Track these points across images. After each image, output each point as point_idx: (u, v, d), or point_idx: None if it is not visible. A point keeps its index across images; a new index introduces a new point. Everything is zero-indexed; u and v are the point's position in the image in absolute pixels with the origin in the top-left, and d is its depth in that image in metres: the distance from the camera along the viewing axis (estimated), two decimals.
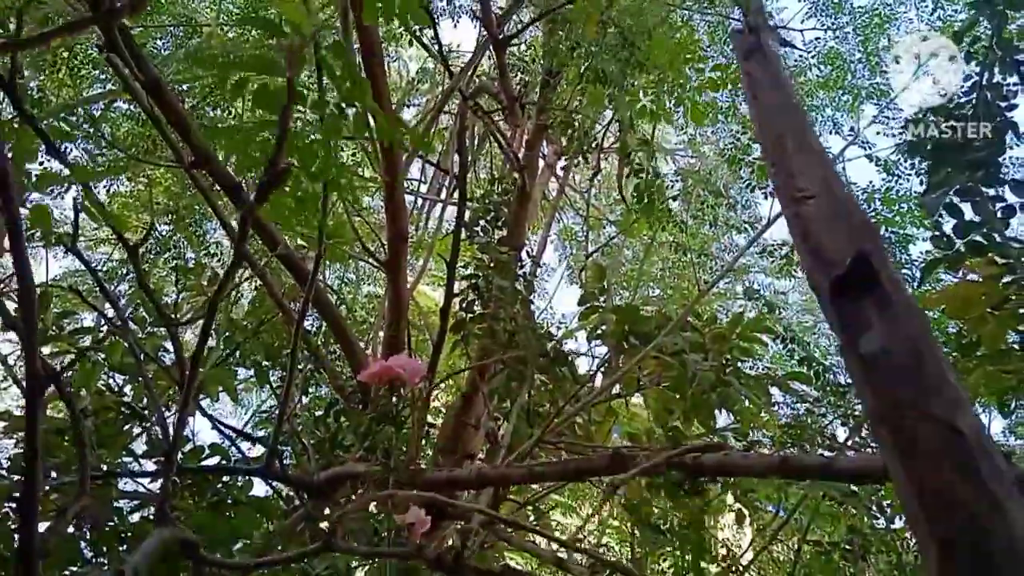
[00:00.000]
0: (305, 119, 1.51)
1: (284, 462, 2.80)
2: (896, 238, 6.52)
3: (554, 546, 3.15)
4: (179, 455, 3.02)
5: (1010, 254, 2.34)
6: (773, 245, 7.39)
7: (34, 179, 2.03)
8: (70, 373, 3.42)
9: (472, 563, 1.51)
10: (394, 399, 2.44)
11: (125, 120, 7.52)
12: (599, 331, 4.32)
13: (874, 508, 3.60)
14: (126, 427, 3.45)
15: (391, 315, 4.01)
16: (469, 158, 5.33)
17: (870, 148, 6.93)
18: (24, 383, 1.12)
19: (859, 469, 1.36)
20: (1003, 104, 2.86)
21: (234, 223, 4.65)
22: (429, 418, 6.34)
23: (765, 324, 4.58)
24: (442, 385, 8.53)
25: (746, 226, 7.89)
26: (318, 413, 3.60)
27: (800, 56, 7.91)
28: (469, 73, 6.43)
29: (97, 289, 5.36)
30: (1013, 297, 2.22)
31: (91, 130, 6.94)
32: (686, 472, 1.67)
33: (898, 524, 3.49)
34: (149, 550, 1.15)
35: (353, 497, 2.59)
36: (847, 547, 3.28)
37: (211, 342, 6.59)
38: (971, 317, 2.14)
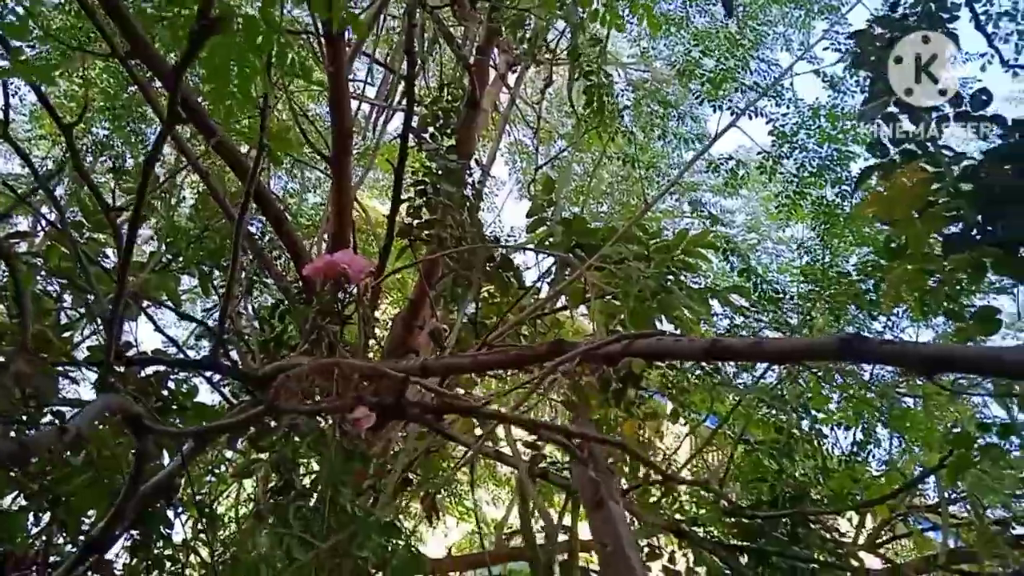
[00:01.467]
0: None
1: (230, 360, 2.82)
2: (838, 155, 6.64)
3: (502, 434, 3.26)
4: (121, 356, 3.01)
5: (941, 162, 2.42)
6: (720, 159, 7.46)
7: None
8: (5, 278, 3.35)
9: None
10: (339, 295, 2.46)
11: (57, 13, 7.16)
12: (547, 242, 4.37)
13: (800, 411, 3.79)
14: (65, 334, 3.41)
15: (335, 213, 3.98)
16: (418, 60, 5.22)
17: (818, 63, 7.00)
18: None
19: (783, 350, 1.43)
20: (945, 16, 2.91)
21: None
22: (378, 331, 6.38)
23: (709, 240, 4.67)
24: (390, 296, 8.57)
25: (694, 139, 7.93)
26: (263, 314, 3.60)
27: None
28: None
29: (34, 192, 5.21)
30: (939, 201, 2.31)
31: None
32: (619, 356, 1.73)
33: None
34: (92, 412, 1.17)
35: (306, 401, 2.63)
36: (773, 447, 3.45)
37: (152, 247, 6.48)
38: (897, 220, 2.22)
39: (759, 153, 7.07)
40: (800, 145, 6.84)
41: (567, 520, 2.91)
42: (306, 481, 2.57)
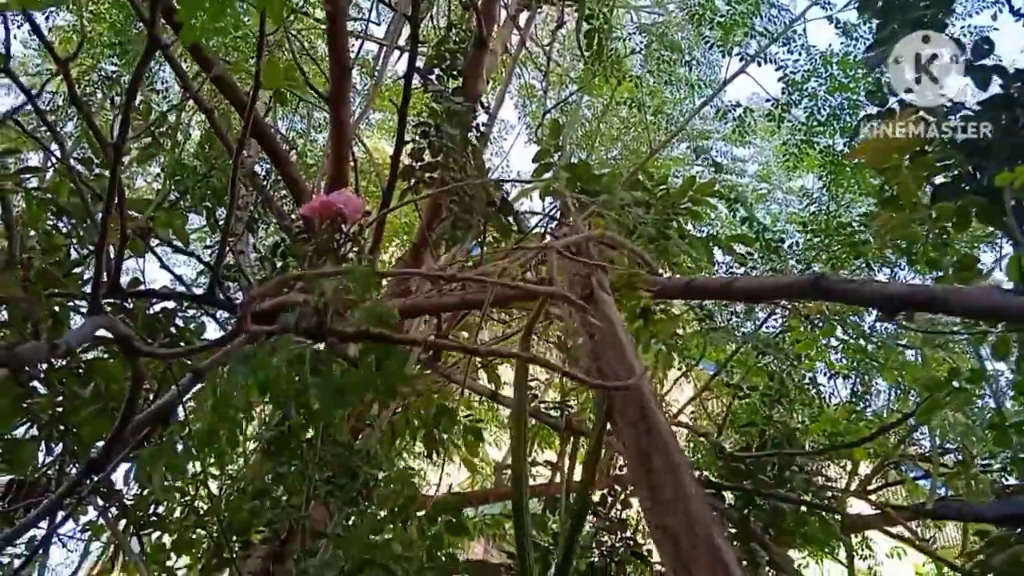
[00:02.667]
0: None
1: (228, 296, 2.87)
2: (848, 103, 6.56)
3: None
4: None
5: (938, 111, 2.41)
6: (728, 106, 7.38)
7: None
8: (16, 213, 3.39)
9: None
10: (336, 235, 2.49)
11: None
12: (551, 187, 4.38)
13: (796, 359, 3.84)
14: (76, 269, 3.46)
15: (334, 151, 3.99)
16: None
17: (830, 9, 6.86)
18: None
19: (754, 289, 1.47)
20: None
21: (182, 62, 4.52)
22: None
23: (715, 188, 4.67)
24: (397, 240, 8.62)
25: (703, 85, 7.84)
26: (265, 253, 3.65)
27: None
28: None
29: (43, 130, 5.23)
30: (930, 150, 2.31)
31: None
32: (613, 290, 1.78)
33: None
34: (82, 331, 1.22)
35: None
36: (766, 393, 3.51)
37: (159, 185, 6.50)
38: (887, 168, 2.23)
39: (767, 100, 7.00)
40: (810, 93, 6.76)
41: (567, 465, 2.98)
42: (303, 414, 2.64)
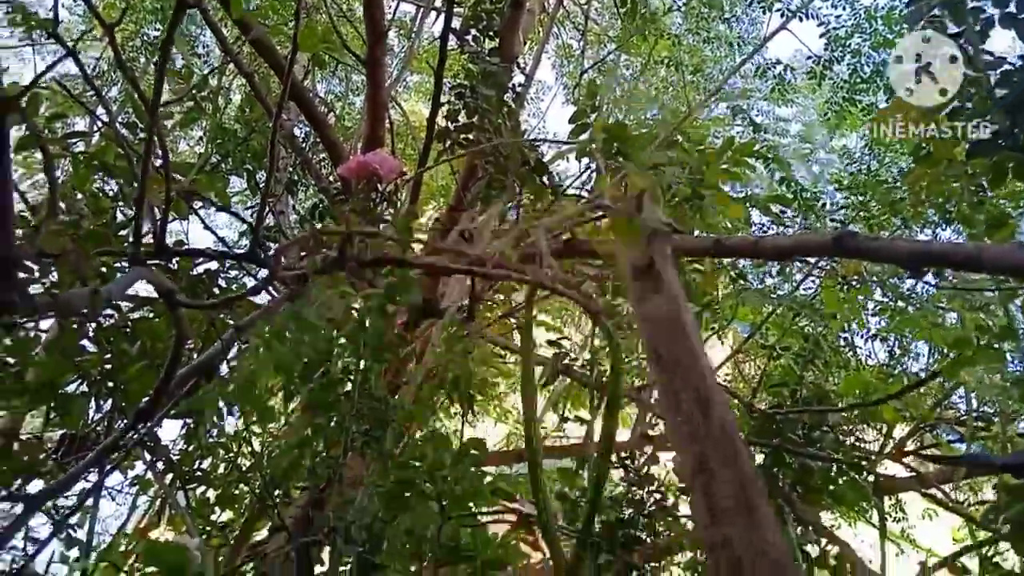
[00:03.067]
0: None
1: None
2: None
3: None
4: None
5: (979, 66, 2.37)
6: (768, 63, 7.24)
7: None
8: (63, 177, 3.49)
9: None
10: (372, 195, 2.55)
11: None
12: (588, 148, 4.37)
13: (826, 320, 3.82)
14: (122, 231, 3.56)
15: (370, 114, 4.04)
16: None
17: None
18: None
19: (781, 247, 1.48)
20: None
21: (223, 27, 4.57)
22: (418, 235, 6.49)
23: (754, 149, 4.61)
24: (435, 203, 8.67)
25: (744, 43, 7.69)
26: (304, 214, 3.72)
27: None
28: None
29: (88, 94, 5.35)
30: (969, 107, 2.27)
31: None
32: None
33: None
34: (124, 281, 1.28)
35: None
36: (799, 354, 3.51)
37: (201, 148, 6.62)
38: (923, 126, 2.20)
39: (809, 58, 6.86)
40: (854, 49, 6.60)
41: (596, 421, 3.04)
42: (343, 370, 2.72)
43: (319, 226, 3.31)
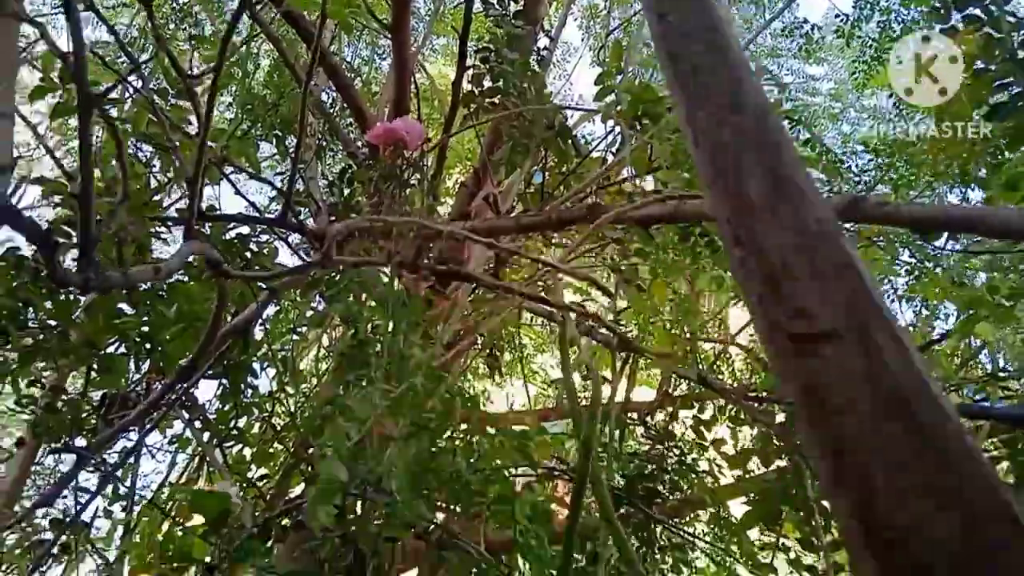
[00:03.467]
0: None
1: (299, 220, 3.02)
2: (925, 16, 6.26)
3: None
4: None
5: (1002, 28, 2.36)
6: (796, 22, 7.14)
7: None
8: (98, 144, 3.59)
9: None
10: (399, 160, 2.61)
11: None
12: (613, 110, 4.38)
13: None
14: (156, 197, 3.66)
15: (396, 79, 4.08)
16: None
17: None
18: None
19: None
20: None
21: None
22: (446, 199, 6.55)
23: (780, 109, 4.59)
24: (461, 166, 8.71)
25: (771, 2, 7.58)
26: (333, 179, 3.79)
27: None
28: None
29: (119, 60, 5.43)
30: (993, 68, 2.27)
31: None
32: (665, 219, 1.85)
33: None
34: (180, 256, 1.36)
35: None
36: None
37: (230, 114, 6.71)
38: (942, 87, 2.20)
39: (837, 16, 6.76)
40: (884, 7, 6.49)
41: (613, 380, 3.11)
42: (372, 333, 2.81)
43: (356, 198, 3.38)
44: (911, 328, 5.50)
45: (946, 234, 4.96)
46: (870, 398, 0.62)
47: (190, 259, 3.30)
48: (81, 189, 1.08)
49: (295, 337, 5.04)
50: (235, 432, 3.37)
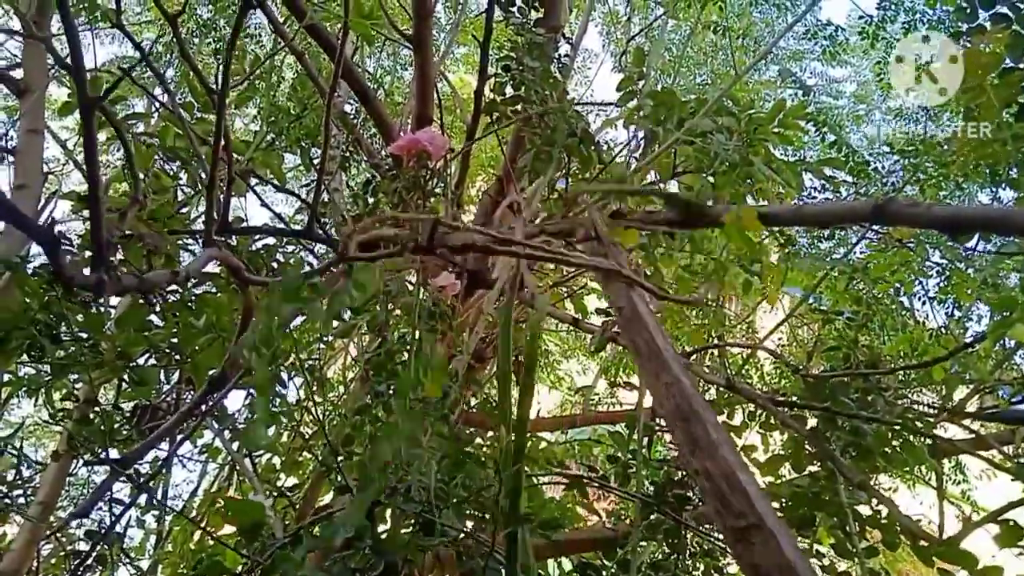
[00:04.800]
0: None
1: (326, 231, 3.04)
2: (952, 15, 6.17)
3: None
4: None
5: None
6: (817, 25, 7.08)
7: None
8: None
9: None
10: (422, 171, 2.62)
11: None
12: (636, 116, 4.36)
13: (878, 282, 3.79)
14: (183, 209, 3.71)
15: (419, 91, 4.10)
16: None
17: None
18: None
19: (822, 214, 1.51)
20: None
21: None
22: (469, 207, 6.58)
23: (806, 112, 4.56)
24: (483, 174, 8.74)
25: (792, 2, 7.51)
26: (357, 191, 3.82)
27: None
28: None
29: (145, 75, 5.50)
30: (1022, 67, 2.24)
31: None
32: (681, 224, 1.84)
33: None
34: (199, 261, 1.38)
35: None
36: (852, 319, 3.50)
37: (256, 126, 6.77)
38: (970, 87, 2.17)
39: (861, 17, 6.69)
40: (908, 7, 6.42)
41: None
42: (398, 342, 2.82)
43: (380, 208, 3.41)
44: (943, 331, 5.42)
45: (977, 235, 4.90)
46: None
47: (217, 270, 3.35)
48: (89, 189, 1.10)
49: (321, 346, 5.08)
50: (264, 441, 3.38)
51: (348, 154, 4.41)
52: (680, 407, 1.50)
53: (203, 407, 2.55)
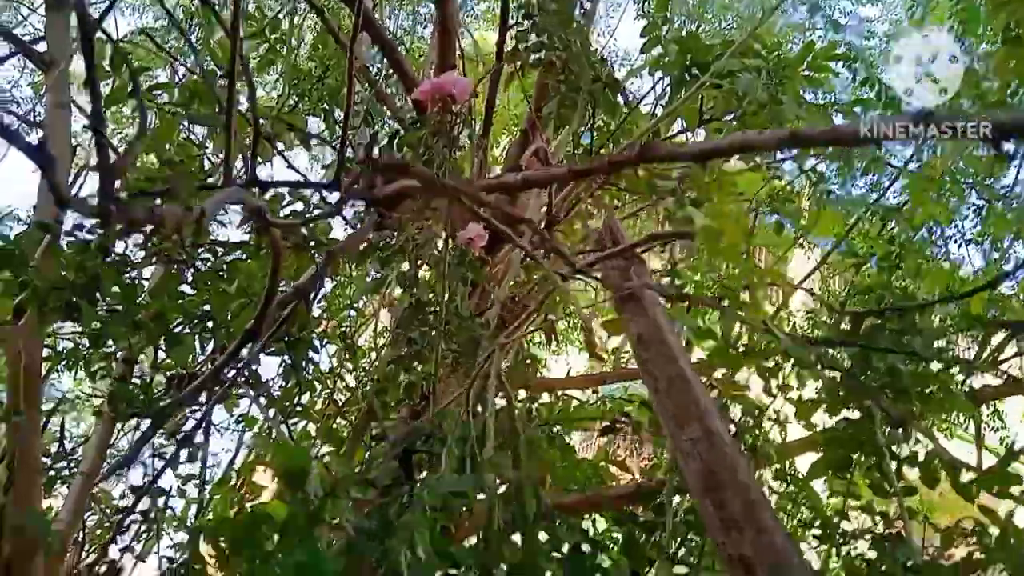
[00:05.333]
0: None
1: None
2: None
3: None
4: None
5: None
6: None
7: None
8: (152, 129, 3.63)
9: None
10: (447, 116, 2.59)
11: None
12: (660, 62, 4.27)
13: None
14: (210, 179, 3.70)
15: (440, 43, 4.06)
16: None
17: None
18: None
19: (862, 133, 1.46)
20: None
21: None
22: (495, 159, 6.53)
23: (836, 52, 4.44)
24: (507, 129, 8.66)
25: None
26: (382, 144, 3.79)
27: None
28: None
29: (167, 45, 5.49)
30: None
31: None
32: (709, 155, 1.80)
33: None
34: (218, 199, 1.36)
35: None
36: (884, 258, 3.44)
37: (277, 91, 6.76)
38: (1007, 2, 2.08)
39: None
40: None
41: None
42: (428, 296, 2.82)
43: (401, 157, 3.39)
44: (978, 274, 5.33)
45: (1014, 173, 4.77)
46: None
47: (246, 238, 3.35)
48: (92, 118, 1.08)
49: (352, 313, 5.10)
50: (299, 408, 3.42)
51: (371, 109, 4.39)
52: (709, 470, 1.34)
53: (238, 364, 2.57)
